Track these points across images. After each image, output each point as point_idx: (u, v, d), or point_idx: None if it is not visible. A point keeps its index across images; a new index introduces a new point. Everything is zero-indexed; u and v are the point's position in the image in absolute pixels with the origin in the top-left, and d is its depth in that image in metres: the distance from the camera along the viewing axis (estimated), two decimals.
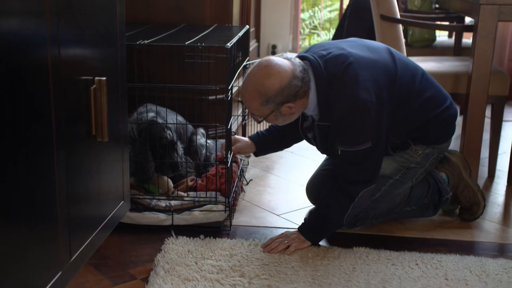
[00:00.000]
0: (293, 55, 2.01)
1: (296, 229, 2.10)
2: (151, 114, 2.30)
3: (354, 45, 2.07)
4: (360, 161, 1.98)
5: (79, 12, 1.34)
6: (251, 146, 2.37)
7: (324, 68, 1.98)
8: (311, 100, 2.00)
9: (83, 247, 1.40)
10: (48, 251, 1.24)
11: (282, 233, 2.10)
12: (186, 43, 2.18)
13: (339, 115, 1.96)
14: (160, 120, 2.29)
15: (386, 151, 2.10)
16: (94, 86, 1.38)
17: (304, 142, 3.28)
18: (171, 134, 2.27)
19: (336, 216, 2.06)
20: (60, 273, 1.27)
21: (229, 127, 2.20)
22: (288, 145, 2.45)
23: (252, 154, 2.45)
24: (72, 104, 1.31)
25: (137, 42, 2.13)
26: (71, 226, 1.32)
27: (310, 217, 2.09)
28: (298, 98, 1.97)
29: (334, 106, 1.96)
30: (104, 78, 1.39)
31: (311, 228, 2.07)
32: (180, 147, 2.37)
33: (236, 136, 2.40)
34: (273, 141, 2.38)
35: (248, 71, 1.99)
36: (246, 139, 2.39)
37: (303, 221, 2.12)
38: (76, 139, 1.35)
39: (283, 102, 1.95)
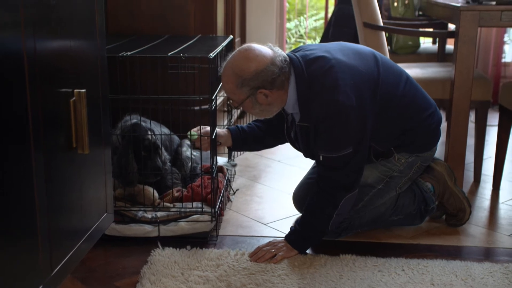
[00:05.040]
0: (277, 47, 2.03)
1: (283, 238, 2.10)
2: (135, 119, 2.30)
3: (340, 49, 2.07)
4: (342, 166, 1.98)
5: (57, 23, 1.34)
6: (228, 138, 2.31)
7: (305, 68, 1.98)
8: (290, 96, 2.00)
9: (65, 259, 1.39)
10: (28, 264, 1.23)
11: (269, 242, 2.09)
12: (169, 54, 2.18)
13: (317, 118, 1.96)
14: (143, 124, 2.29)
15: (369, 158, 2.10)
16: (74, 98, 1.37)
17: (291, 150, 3.29)
18: (154, 137, 2.27)
19: (321, 223, 2.06)
20: (41, 286, 1.26)
21: (213, 137, 2.19)
22: (267, 145, 2.41)
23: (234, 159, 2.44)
24: (51, 117, 1.31)
25: (120, 54, 2.13)
26: (52, 238, 1.31)
27: (296, 226, 2.08)
28: (275, 88, 1.97)
29: (313, 108, 1.97)
30: (83, 90, 1.38)
31: (298, 237, 2.07)
32: (165, 155, 2.37)
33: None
34: (251, 138, 2.32)
35: (230, 55, 2.01)
36: (224, 130, 2.33)
37: (289, 230, 2.11)
38: (56, 151, 1.34)
39: (258, 86, 1.95)
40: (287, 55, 2.03)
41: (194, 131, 2.20)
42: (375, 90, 2.01)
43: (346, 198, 2.01)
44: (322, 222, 2.06)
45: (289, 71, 1.99)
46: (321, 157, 2.00)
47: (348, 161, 1.97)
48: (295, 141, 2.19)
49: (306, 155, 2.19)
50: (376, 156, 2.13)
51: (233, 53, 2.01)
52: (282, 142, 2.35)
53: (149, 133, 2.27)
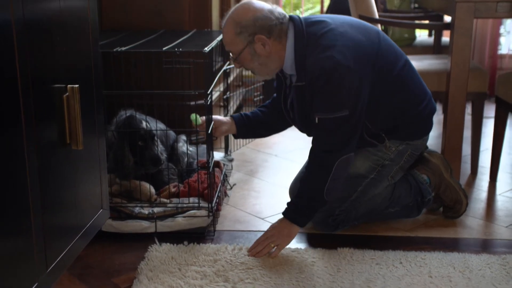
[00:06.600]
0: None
1: (279, 218, 2.08)
2: (129, 112, 2.30)
3: (343, 18, 2.11)
4: (336, 128, 1.98)
5: (48, 20, 1.33)
6: (232, 125, 2.33)
7: (305, 28, 2.02)
8: (288, 54, 2.03)
9: (60, 257, 1.38)
10: (22, 262, 1.22)
11: (266, 232, 2.06)
12: (164, 48, 2.17)
13: (312, 74, 1.96)
14: (138, 116, 2.28)
15: (362, 137, 2.08)
16: (67, 94, 1.36)
17: (288, 145, 3.29)
18: (149, 126, 2.27)
19: (316, 190, 2.02)
20: (36, 284, 1.25)
21: (209, 132, 2.19)
22: (271, 129, 2.41)
23: (231, 153, 2.43)
24: (45, 113, 1.30)
25: (114, 49, 2.12)
26: (47, 235, 1.30)
27: (292, 200, 2.08)
28: (273, 37, 2.01)
29: (308, 64, 1.98)
30: (76, 86, 1.37)
31: (294, 210, 2.05)
32: (161, 147, 2.36)
33: (216, 116, 2.35)
34: (255, 123, 2.34)
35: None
36: (227, 118, 2.35)
37: (286, 206, 2.10)
38: (50, 148, 1.33)
39: (255, 32, 1.99)
40: (290, 15, 2.08)
41: (199, 115, 2.20)
42: (373, 61, 2.02)
43: (339, 160, 1.99)
44: (316, 188, 2.02)
45: (288, 27, 2.03)
46: (317, 119, 1.99)
47: (343, 123, 1.97)
48: (291, 111, 2.19)
49: (301, 128, 2.20)
50: (369, 136, 2.12)
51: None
52: (287, 125, 2.36)
53: (144, 123, 2.27)
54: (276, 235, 2.04)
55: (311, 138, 2.16)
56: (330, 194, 2.03)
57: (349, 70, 1.93)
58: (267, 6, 2.04)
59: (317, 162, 2.03)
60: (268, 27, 1.99)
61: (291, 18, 2.06)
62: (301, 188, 2.07)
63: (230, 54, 2.11)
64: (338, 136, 1.99)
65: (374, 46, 2.04)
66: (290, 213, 2.05)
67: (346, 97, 1.95)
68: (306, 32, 2.01)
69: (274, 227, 2.07)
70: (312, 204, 2.05)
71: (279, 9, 2.05)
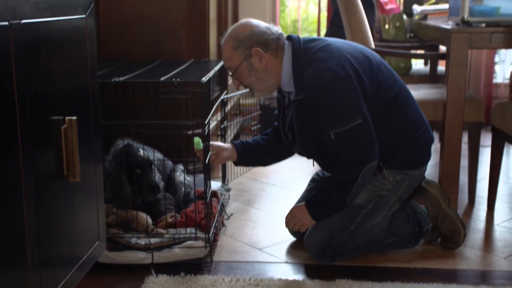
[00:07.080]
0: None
1: (302, 204, 2.16)
2: (126, 141, 2.30)
3: (341, 40, 2.16)
4: (356, 137, 1.98)
5: (47, 50, 1.33)
6: (233, 152, 2.34)
7: (302, 45, 2.08)
8: (285, 70, 2.07)
9: None
10: None
11: (292, 211, 2.19)
12: (162, 79, 2.18)
13: (310, 86, 1.99)
14: (135, 144, 2.28)
15: None
16: (65, 125, 1.36)
17: (285, 174, 3.29)
18: (146, 153, 2.27)
19: (338, 196, 2.07)
20: None
21: (207, 162, 2.18)
22: (272, 157, 2.43)
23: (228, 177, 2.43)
24: (42, 145, 1.30)
25: (112, 80, 2.13)
26: (43, 268, 1.29)
27: (318, 194, 2.14)
28: (269, 51, 2.07)
29: (306, 77, 2.01)
30: (74, 118, 1.37)
31: (316, 205, 2.12)
32: (159, 175, 2.35)
33: (218, 143, 2.36)
34: (256, 150, 2.35)
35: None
36: (228, 145, 2.36)
37: (312, 196, 2.17)
38: (47, 180, 1.32)
39: (252, 45, 2.05)
40: (289, 35, 2.14)
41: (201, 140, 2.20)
42: (371, 77, 2.05)
43: (364, 171, 2.01)
44: (340, 195, 2.07)
45: (284, 43, 2.09)
46: (332, 135, 2.00)
47: (360, 131, 1.98)
48: (290, 131, 2.20)
49: (301, 150, 2.21)
50: None
51: None
52: (288, 154, 2.38)
53: (141, 151, 2.27)
54: (298, 216, 2.15)
55: (310, 163, 2.16)
56: (352, 200, 2.08)
57: (349, 78, 1.97)
58: (264, 23, 2.13)
59: (343, 171, 2.05)
60: (264, 40, 2.06)
61: (289, 36, 2.12)
62: (326, 188, 2.11)
63: (229, 72, 2.15)
64: (360, 145, 2.01)
65: (373, 65, 2.08)
66: (312, 206, 2.12)
67: (353, 105, 1.97)
68: (303, 48, 2.06)
69: (297, 207, 2.17)
70: (332, 207, 2.11)
71: (276, 27, 2.12)
